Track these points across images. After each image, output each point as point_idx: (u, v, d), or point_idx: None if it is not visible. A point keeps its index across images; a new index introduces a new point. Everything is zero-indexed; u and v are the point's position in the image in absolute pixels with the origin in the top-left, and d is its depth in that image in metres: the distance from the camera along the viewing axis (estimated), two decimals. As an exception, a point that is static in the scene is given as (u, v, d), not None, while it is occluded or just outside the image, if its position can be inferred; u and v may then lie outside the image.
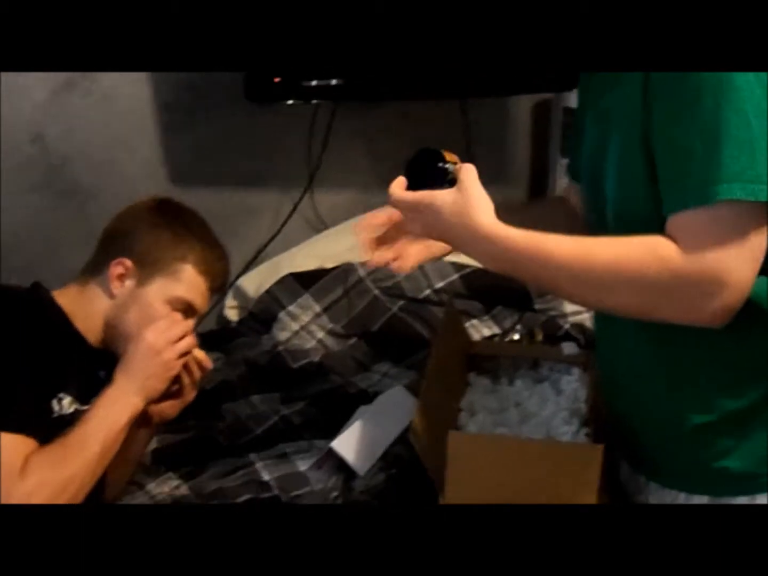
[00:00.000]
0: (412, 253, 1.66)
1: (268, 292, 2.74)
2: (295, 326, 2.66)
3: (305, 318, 2.67)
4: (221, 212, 2.89)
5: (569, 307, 2.68)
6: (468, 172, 1.45)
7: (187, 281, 1.92)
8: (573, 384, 1.93)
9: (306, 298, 2.68)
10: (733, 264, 1.27)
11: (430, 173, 1.49)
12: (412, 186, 1.50)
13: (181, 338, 1.85)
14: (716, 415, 1.50)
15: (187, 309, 1.93)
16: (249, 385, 2.48)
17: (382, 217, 1.70)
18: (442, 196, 1.44)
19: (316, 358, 2.54)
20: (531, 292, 2.70)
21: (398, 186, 1.51)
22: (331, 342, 2.64)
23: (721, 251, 1.27)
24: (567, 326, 2.61)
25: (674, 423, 1.55)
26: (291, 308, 2.68)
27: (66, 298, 1.91)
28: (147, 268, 1.91)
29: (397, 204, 1.50)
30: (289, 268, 2.80)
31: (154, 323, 1.84)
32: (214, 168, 2.89)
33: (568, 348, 2.04)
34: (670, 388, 1.55)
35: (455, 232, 1.43)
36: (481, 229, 1.40)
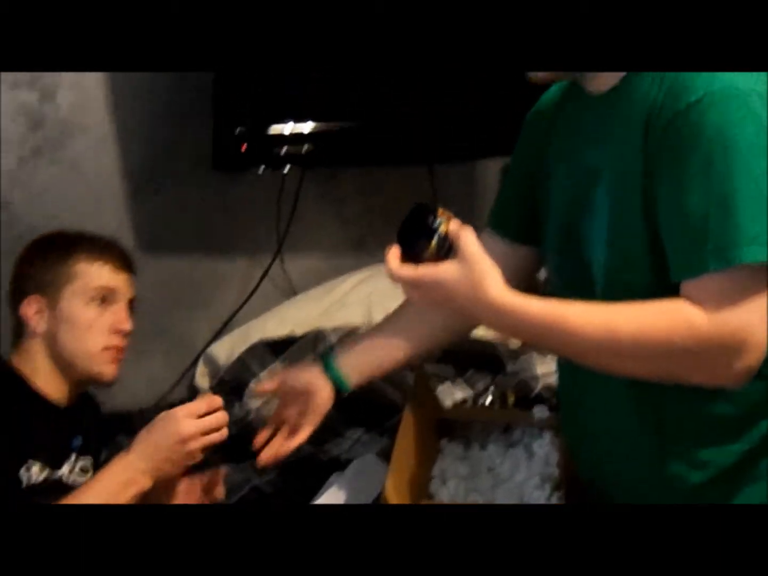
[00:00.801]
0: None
1: (238, 359, 2.73)
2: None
3: (276, 385, 2.64)
4: (190, 280, 2.89)
5: (541, 369, 2.68)
6: (468, 241, 1.39)
7: (89, 273, 1.94)
8: (545, 448, 1.92)
9: (277, 366, 2.66)
10: (755, 324, 1.29)
11: (419, 231, 1.44)
12: (403, 245, 1.46)
13: (216, 429, 1.75)
14: (707, 474, 1.49)
15: (110, 295, 1.94)
16: (219, 454, 2.45)
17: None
18: (446, 272, 1.39)
19: (288, 426, 2.51)
20: (502, 355, 2.70)
21: (394, 258, 1.45)
22: (302, 409, 2.62)
23: (743, 313, 1.28)
24: (539, 388, 2.61)
25: (660, 485, 1.53)
26: (262, 375, 2.66)
27: (20, 361, 1.91)
28: (51, 290, 1.92)
29: (397, 280, 1.45)
30: (260, 334, 2.78)
31: (191, 404, 1.74)
32: (182, 235, 2.88)
33: (539, 412, 2.03)
34: (653, 446, 1.53)
35: (467, 307, 1.39)
36: (494, 302, 1.36)
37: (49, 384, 1.89)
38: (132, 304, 2.01)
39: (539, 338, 1.39)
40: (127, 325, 1.95)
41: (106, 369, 1.93)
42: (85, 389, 2.00)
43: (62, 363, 1.90)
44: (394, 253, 1.46)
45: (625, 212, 1.40)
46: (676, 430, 1.51)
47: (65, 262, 1.94)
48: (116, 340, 1.94)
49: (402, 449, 1.78)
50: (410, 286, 1.44)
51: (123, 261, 2.01)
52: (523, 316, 1.36)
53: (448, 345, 2.06)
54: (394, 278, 1.44)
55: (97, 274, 1.94)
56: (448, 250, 1.42)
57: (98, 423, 2.08)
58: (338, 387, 1.85)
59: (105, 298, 1.93)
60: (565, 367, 1.72)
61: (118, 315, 1.94)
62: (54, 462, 1.83)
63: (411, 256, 1.45)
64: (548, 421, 2.01)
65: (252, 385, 2.64)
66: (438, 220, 1.43)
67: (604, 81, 1.46)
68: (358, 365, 1.88)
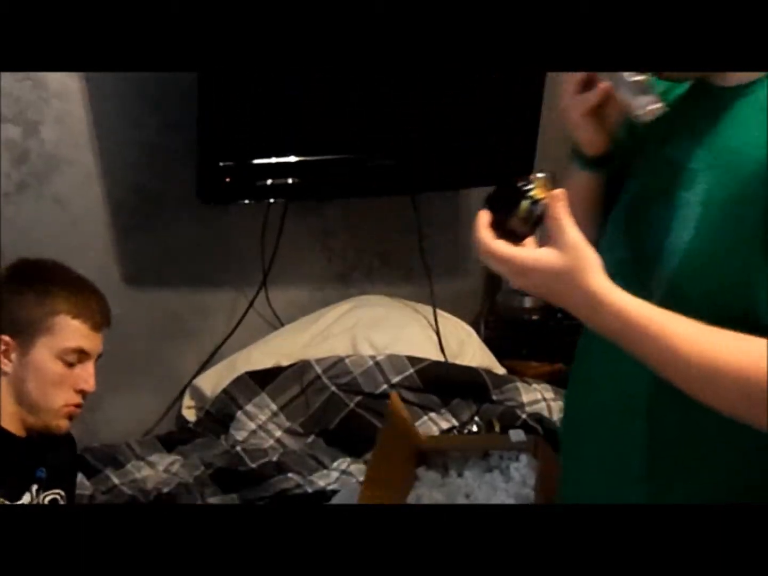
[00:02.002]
0: None
1: (224, 391, 2.73)
2: (252, 426, 2.65)
3: (262, 417, 2.65)
4: (176, 313, 2.89)
5: (526, 397, 2.69)
6: (568, 225, 1.24)
7: (67, 331, 1.91)
8: (521, 470, 1.93)
9: (262, 397, 2.68)
10: None
11: (509, 193, 1.29)
12: (491, 208, 1.29)
13: None
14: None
15: (79, 355, 1.92)
16: (206, 487, 2.45)
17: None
18: (545, 256, 1.24)
19: (274, 458, 2.52)
20: (488, 384, 2.71)
21: (484, 227, 1.29)
22: (288, 440, 2.63)
23: None
24: (524, 416, 2.62)
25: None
26: (248, 407, 2.67)
27: None
28: (24, 334, 1.89)
29: (488, 258, 1.27)
30: (246, 366, 2.79)
31: None
32: (168, 269, 2.89)
33: (516, 435, 2.04)
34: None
35: (563, 296, 1.25)
36: (594, 295, 1.23)
37: (10, 419, 1.88)
38: (98, 359, 2.00)
39: (633, 344, 1.24)
40: (91, 386, 1.94)
41: (61, 423, 1.92)
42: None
43: (24, 406, 1.89)
44: (483, 220, 1.29)
45: (727, 227, 1.26)
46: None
47: (43, 307, 1.90)
48: (77, 399, 1.93)
49: (374, 477, 1.78)
50: (499, 263, 1.27)
51: (102, 317, 1.99)
52: (621, 316, 1.22)
53: None
54: (482, 251, 1.28)
55: (75, 333, 1.91)
56: (537, 219, 1.27)
57: (72, 457, 2.07)
58: None
59: (77, 357, 1.92)
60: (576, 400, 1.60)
61: (85, 374, 1.93)
62: (12, 493, 1.82)
63: (497, 221, 1.29)
64: (525, 444, 2.02)
65: (238, 415, 2.65)
66: (531, 185, 1.28)
67: (736, 77, 1.32)
68: None
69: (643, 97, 1.30)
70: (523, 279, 1.27)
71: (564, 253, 1.23)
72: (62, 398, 1.90)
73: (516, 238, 1.29)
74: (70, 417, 1.94)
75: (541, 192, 1.28)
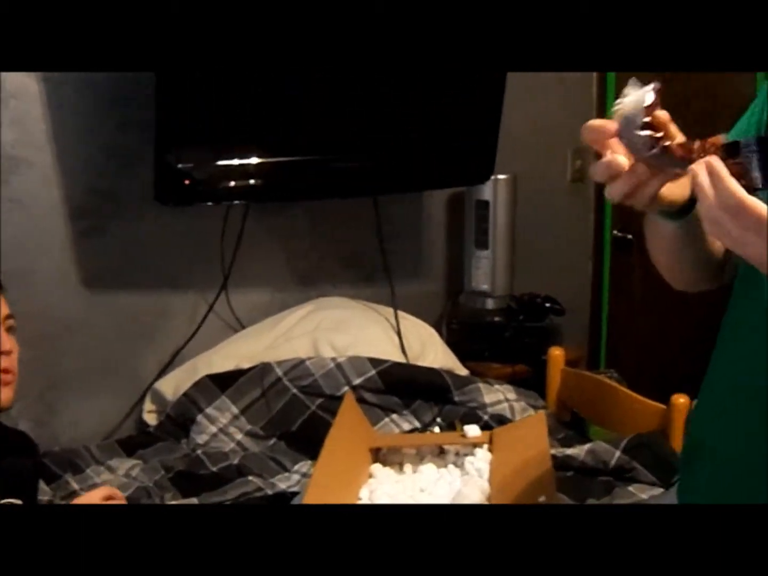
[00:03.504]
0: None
1: (185, 394, 2.71)
2: (213, 429, 2.64)
3: (223, 420, 2.64)
4: (136, 315, 2.87)
5: (488, 398, 2.70)
6: None
7: None
8: (477, 464, 1.93)
9: (223, 400, 2.66)
10: None
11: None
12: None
13: None
14: None
15: None
16: (166, 491, 2.43)
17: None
18: None
19: (235, 461, 2.50)
20: (450, 385, 2.71)
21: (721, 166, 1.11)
22: (249, 443, 2.62)
23: None
24: (486, 417, 2.62)
25: None
26: (208, 411, 2.65)
27: None
28: None
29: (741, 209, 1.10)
30: (207, 369, 2.78)
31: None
32: (127, 271, 2.87)
33: (472, 430, 2.04)
34: None
35: None
36: None
37: None
38: (9, 321, 1.97)
39: None
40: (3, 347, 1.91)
41: None
42: None
43: None
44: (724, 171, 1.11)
45: None
46: None
47: None
48: None
49: (322, 475, 1.77)
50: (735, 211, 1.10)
51: None
52: None
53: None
54: (736, 199, 1.10)
55: None
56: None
57: (33, 464, 2.04)
58: None
59: None
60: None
61: None
62: None
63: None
64: (481, 438, 2.03)
65: (199, 418, 2.64)
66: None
67: None
68: None
69: (639, 134, 1.18)
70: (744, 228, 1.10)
71: None
72: None
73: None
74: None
75: None
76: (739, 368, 1.37)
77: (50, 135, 2.65)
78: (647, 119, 1.16)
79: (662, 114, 1.18)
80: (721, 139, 1.16)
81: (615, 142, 1.19)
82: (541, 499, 1.66)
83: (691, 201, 1.26)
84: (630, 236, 3.56)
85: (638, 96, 1.17)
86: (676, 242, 1.37)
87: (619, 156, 1.18)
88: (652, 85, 1.17)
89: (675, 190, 1.24)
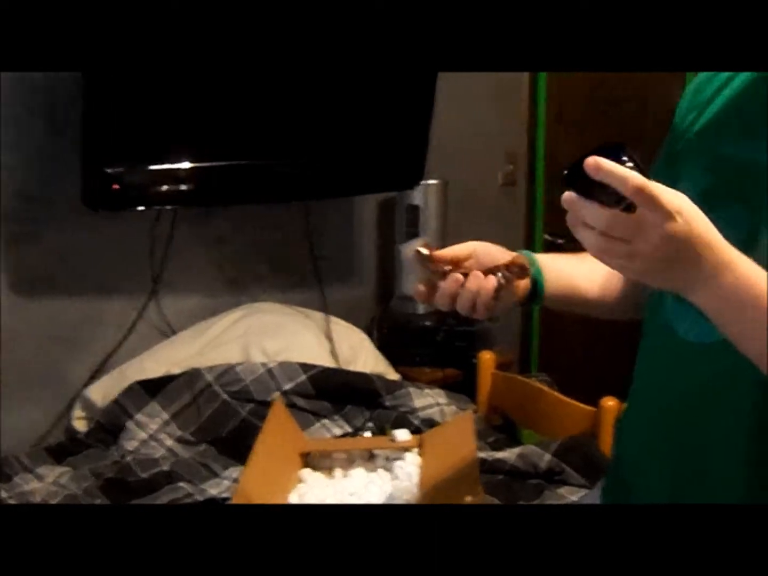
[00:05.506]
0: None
1: (115, 401, 2.69)
2: (143, 435, 2.62)
3: (153, 426, 2.62)
4: (65, 322, 2.84)
5: (419, 402, 2.71)
6: (668, 193, 1.02)
7: None
8: (407, 468, 1.94)
9: (153, 406, 2.64)
10: None
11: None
12: (575, 185, 1.03)
13: None
14: None
15: None
16: (95, 498, 2.41)
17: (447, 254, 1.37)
18: (672, 224, 1.00)
19: (165, 467, 2.49)
20: (380, 389, 2.72)
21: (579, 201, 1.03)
22: (180, 449, 2.60)
23: None
24: (417, 421, 2.63)
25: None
26: (138, 417, 2.63)
27: None
28: None
29: (594, 223, 1.03)
30: (137, 375, 2.76)
31: None
32: (56, 277, 2.84)
33: (401, 435, 2.05)
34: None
35: (694, 269, 1.04)
36: (726, 262, 1.04)
37: None
38: None
39: (743, 316, 1.06)
40: None
41: None
42: None
43: None
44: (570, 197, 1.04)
45: None
46: None
47: None
48: None
49: (250, 480, 1.78)
50: (614, 234, 1.02)
51: None
52: (742, 277, 1.06)
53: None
54: (591, 219, 1.03)
55: None
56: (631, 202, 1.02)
57: None
58: (535, 284, 1.48)
59: None
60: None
61: None
62: None
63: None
64: (410, 443, 2.04)
65: (129, 425, 2.62)
66: (628, 161, 1.03)
67: None
68: (556, 274, 1.49)
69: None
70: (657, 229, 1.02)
71: (681, 218, 1.01)
72: None
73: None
74: None
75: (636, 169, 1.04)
76: (656, 381, 1.38)
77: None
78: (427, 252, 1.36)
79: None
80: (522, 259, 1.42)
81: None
82: (468, 499, 1.67)
83: (531, 292, 1.46)
84: (561, 240, 3.58)
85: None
86: (563, 307, 1.50)
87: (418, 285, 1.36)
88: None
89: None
